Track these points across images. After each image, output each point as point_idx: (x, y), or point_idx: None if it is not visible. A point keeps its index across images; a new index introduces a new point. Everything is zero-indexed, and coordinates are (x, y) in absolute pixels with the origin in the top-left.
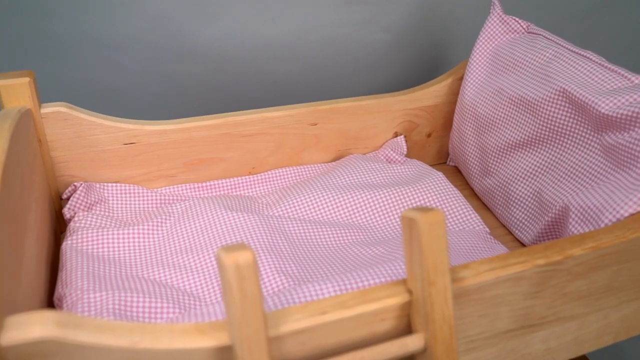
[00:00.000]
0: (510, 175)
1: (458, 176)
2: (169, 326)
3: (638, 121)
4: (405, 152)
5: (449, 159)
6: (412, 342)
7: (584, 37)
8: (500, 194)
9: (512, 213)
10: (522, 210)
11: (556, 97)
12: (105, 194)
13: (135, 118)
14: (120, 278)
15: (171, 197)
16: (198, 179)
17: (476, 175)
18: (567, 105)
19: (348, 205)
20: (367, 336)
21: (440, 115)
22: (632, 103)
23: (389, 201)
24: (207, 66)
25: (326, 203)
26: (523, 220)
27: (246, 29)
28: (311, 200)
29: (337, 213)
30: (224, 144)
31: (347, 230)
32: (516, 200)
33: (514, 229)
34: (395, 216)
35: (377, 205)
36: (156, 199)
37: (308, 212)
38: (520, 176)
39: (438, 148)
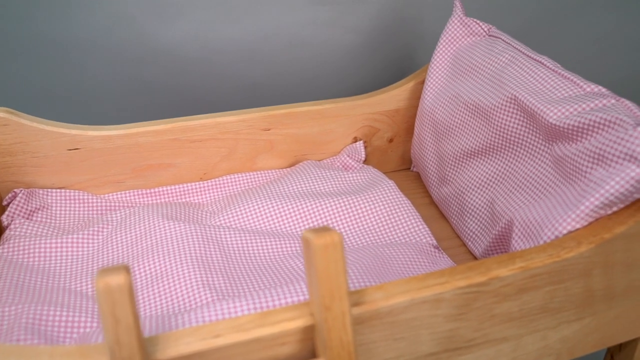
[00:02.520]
0: (466, 184)
1: (419, 183)
2: (49, 349)
3: (584, 132)
4: (363, 159)
5: (412, 165)
6: None
7: (550, 41)
8: (455, 203)
9: (466, 224)
10: (475, 221)
11: (508, 104)
12: (49, 200)
13: (97, 122)
14: (44, 290)
15: (117, 204)
16: (147, 185)
17: (434, 183)
18: (518, 113)
19: (292, 214)
20: None
21: (403, 120)
22: (580, 113)
23: (335, 211)
24: (170, 68)
25: (270, 212)
26: (476, 232)
27: (210, 30)
28: (255, 209)
29: (281, 223)
30: (172, 150)
31: (287, 241)
32: (470, 211)
33: (467, 241)
34: (339, 226)
35: (322, 215)
36: (102, 206)
37: (250, 221)
38: (475, 186)
39: (401, 153)
